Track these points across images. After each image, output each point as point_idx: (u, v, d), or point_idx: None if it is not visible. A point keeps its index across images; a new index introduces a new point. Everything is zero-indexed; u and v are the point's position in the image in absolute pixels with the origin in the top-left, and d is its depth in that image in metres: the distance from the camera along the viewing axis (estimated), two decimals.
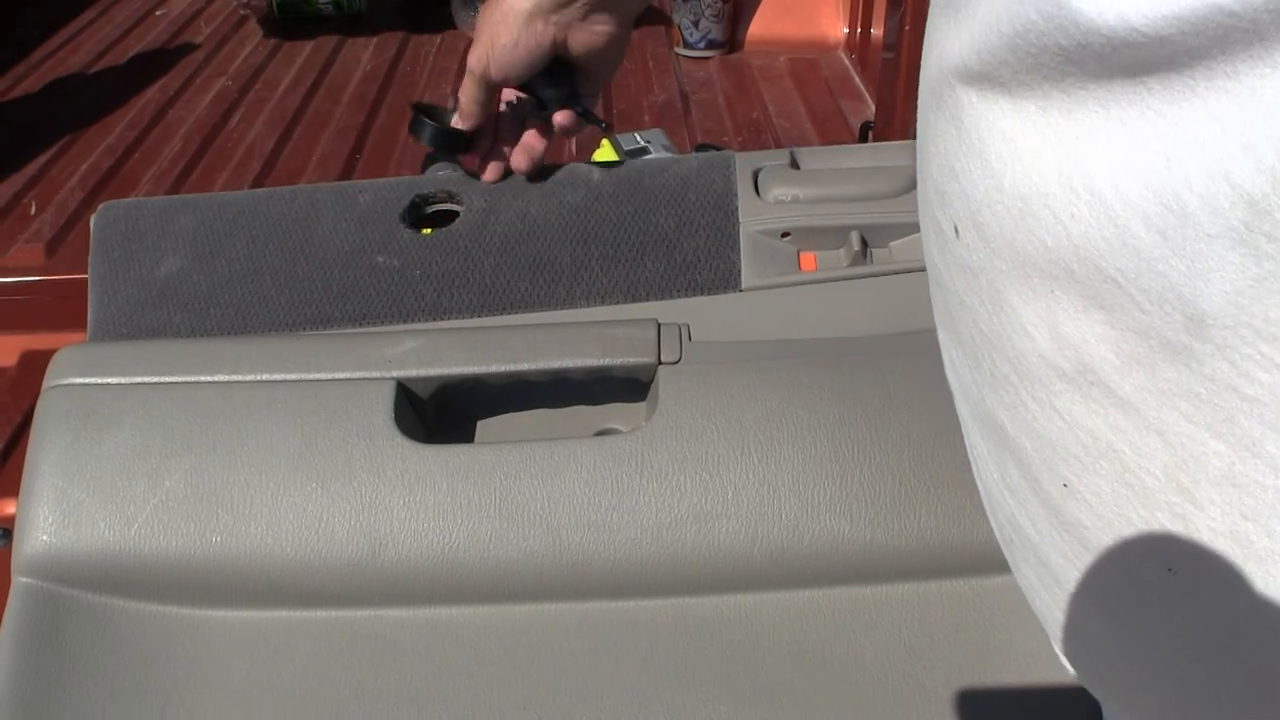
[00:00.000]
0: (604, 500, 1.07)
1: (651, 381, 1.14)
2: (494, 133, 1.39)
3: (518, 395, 1.17)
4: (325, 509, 1.07)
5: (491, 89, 1.34)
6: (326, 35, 3.02)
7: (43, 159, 2.40)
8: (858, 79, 2.66)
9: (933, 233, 0.79)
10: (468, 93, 1.34)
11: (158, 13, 3.28)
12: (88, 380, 1.17)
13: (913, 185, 1.29)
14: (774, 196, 1.32)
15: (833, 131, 2.42)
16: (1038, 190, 0.63)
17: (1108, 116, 0.59)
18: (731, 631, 1.08)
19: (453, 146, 1.38)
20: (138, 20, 3.22)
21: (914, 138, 1.75)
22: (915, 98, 1.75)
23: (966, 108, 0.70)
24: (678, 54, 2.81)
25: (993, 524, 0.83)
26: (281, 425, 1.12)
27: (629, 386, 1.19)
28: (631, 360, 1.13)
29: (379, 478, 1.08)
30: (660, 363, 1.13)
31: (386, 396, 1.12)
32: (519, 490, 1.07)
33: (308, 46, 2.97)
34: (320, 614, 1.09)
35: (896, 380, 1.10)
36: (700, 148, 2.28)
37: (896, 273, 1.25)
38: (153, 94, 2.72)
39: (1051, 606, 0.75)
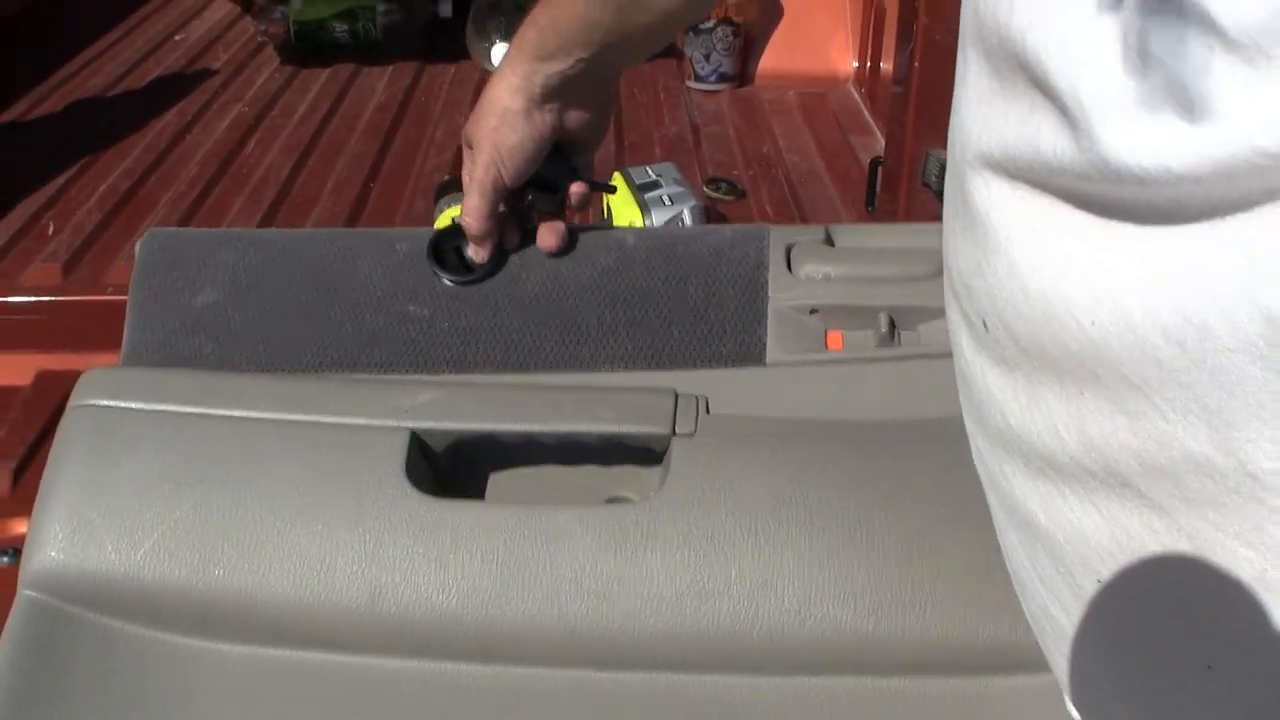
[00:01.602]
0: (605, 569, 1.06)
1: (665, 451, 1.13)
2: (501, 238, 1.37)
3: (532, 452, 1.16)
4: (328, 552, 1.08)
5: (500, 198, 1.32)
6: (342, 63, 3.04)
7: (61, 180, 2.41)
8: (867, 113, 2.67)
9: (961, 324, 0.79)
10: (479, 211, 1.31)
11: (177, 38, 3.29)
12: (112, 403, 1.19)
13: None
14: (805, 273, 1.31)
15: (842, 166, 2.44)
16: (1061, 294, 0.64)
17: (1139, 234, 0.60)
18: (725, 714, 1.07)
19: (477, 279, 1.35)
20: (157, 45, 3.24)
21: (922, 174, 1.76)
22: (924, 133, 1.77)
23: (997, 202, 0.71)
24: (689, 87, 2.83)
25: (1025, 611, 0.83)
26: (293, 465, 1.13)
27: (644, 451, 1.18)
28: (646, 429, 1.13)
29: (384, 526, 1.09)
30: (674, 434, 1.12)
31: (400, 446, 1.13)
32: (521, 552, 1.07)
33: (324, 74, 2.99)
34: (315, 656, 1.10)
35: (912, 468, 1.08)
36: (711, 181, 2.30)
37: (923, 357, 1.23)
38: (170, 118, 2.73)
39: (1084, 696, 0.76)
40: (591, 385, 1.20)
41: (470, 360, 1.29)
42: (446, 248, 1.36)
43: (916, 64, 1.80)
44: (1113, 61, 0.60)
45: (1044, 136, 0.65)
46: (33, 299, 2.00)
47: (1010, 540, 0.80)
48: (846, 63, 2.86)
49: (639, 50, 1.33)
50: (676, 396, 1.15)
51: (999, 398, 0.74)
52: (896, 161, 1.90)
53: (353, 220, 2.25)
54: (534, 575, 1.06)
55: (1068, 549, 0.70)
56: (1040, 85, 0.65)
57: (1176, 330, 0.59)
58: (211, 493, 1.12)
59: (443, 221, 1.97)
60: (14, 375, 1.93)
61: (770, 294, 1.29)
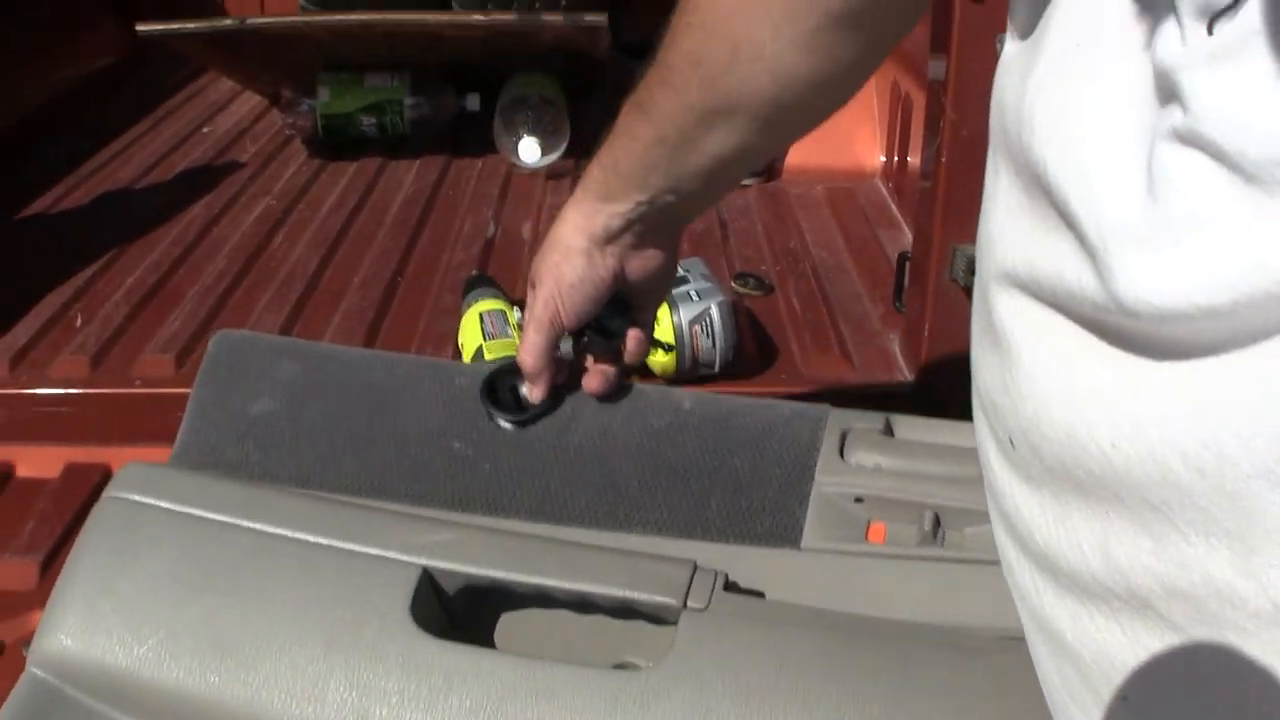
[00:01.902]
0: None
1: (676, 622, 1.10)
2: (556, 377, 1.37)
3: (545, 600, 1.15)
4: (322, 675, 1.07)
5: (556, 338, 1.32)
6: (370, 157, 3.05)
7: (89, 272, 2.43)
8: (895, 208, 2.67)
9: (989, 438, 0.79)
10: (536, 347, 1.31)
11: (204, 130, 3.32)
12: (142, 499, 1.20)
13: None
14: (857, 460, 1.29)
15: (869, 261, 2.44)
16: (1083, 418, 0.64)
17: (1158, 364, 0.61)
18: None
19: (534, 419, 1.35)
20: (184, 137, 3.26)
21: (949, 269, 1.75)
22: (952, 228, 1.77)
23: (1022, 321, 0.71)
24: None
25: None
26: (303, 585, 1.13)
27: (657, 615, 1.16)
28: (657, 598, 1.10)
29: (379, 658, 1.08)
30: (685, 606, 1.10)
31: (409, 582, 1.12)
32: (511, 705, 1.05)
33: (351, 167, 3.01)
34: None
35: (927, 675, 1.04)
36: (739, 276, 2.30)
37: (964, 562, 1.20)
38: (198, 211, 2.75)
39: None
40: (615, 546, 1.18)
41: (504, 505, 1.28)
42: (502, 386, 1.37)
43: (944, 159, 1.80)
44: (1130, 192, 0.60)
45: (1066, 263, 0.65)
46: (61, 391, 2.02)
47: (1040, 652, 0.79)
48: (874, 157, 2.86)
49: (696, 197, 1.29)
50: (695, 569, 1.13)
51: (1026, 515, 0.74)
52: (924, 256, 1.90)
53: (380, 314, 2.25)
54: None
55: (1093, 666, 0.69)
56: (1061, 211, 0.66)
57: (1195, 456, 0.59)
58: (219, 601, 1.12)
59: (471, 317, 1.97)
60: (42, 468, 1.94)
61: (817, 476, 1.27)
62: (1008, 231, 0.74)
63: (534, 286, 1.32)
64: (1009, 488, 0.76)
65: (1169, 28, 0.59)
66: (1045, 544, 0.71)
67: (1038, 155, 0.68)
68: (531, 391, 1.34)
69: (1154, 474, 0.60)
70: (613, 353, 1.37)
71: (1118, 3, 0.64)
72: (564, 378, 1.36)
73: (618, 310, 1.35)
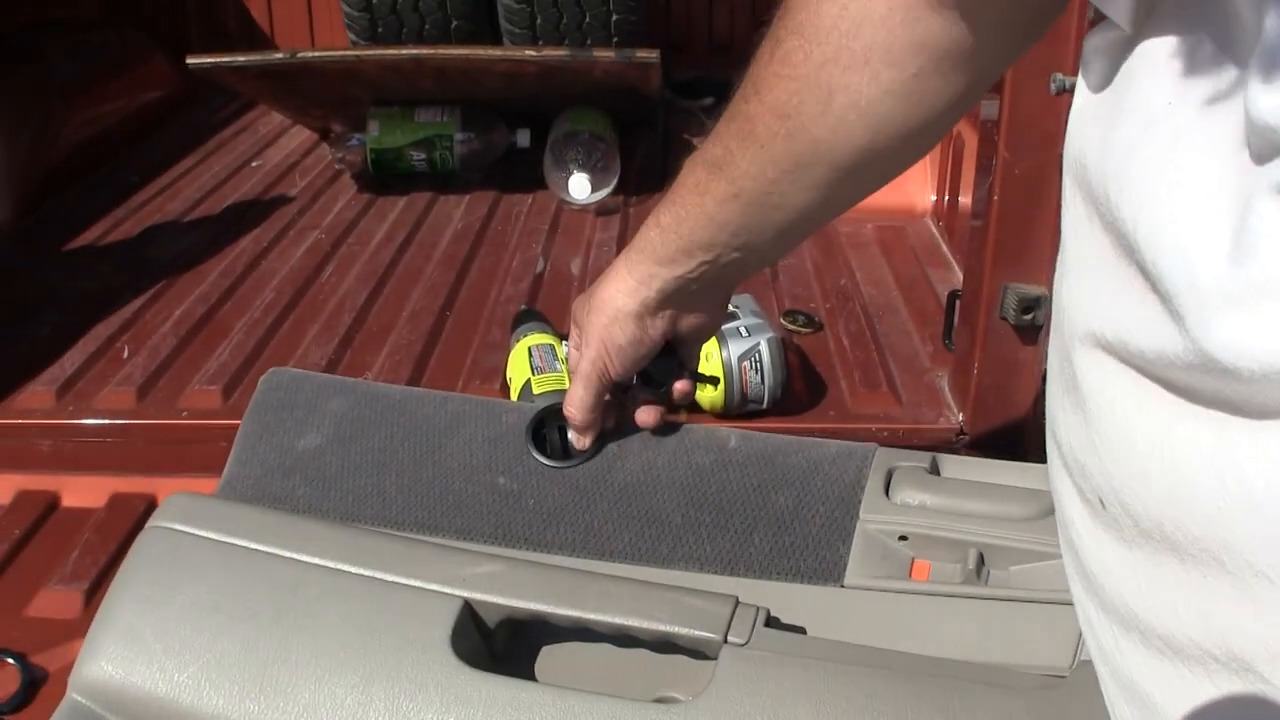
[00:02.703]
0: None
1: (716, 657, 1.10)
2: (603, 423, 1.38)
3: (587, 634, 1.15)
4: (361, 706, 1.08)
5: (605, 390, 1.34)
6: (419, 191, 3.06)
7: (137, 304, 2.43)
8: (945, 247, 2.67)
9: (1075, 496, 0.77)
10: (583, 403, 1.33)
11: (254, 164, 3.33)
12: (187, 529, 1.21)
13: (1049, 512, 1.21)
14: (902, 498, 1.30)
15: (919, 299, 2.43)
16: (1184, 479, 0.62)
17: (1261, 424, 0.59)
18: None
19: (578, 462, 1.37)
20: (234, 171, 3.27)
21: (999, 308, 1.74)
22: (1003, 266, 1.76)
23: (1111, 382, 0.70)
24: None
25: None
26: (344, 617, 1.13)
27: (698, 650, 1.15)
28: (698, 633, 1.10)
29: (419, 689, 1.08)
30: (726, 641, 1.09)
31: (450, 614, 1.12)
32: None
33: (400, 202, 3.01)
34: None
35: (967, 714, 1.03)
36: (788, 314, 2.29)
37: (1008, 600, 1.20)
38: (246, 244, 2.76)
39: None
40: (657, 581, 1.18)
41: (548, 541, 1.30)
42: (549, 428, 1.39)
43: (996, 197, 1.80)
44: (1224, 251, 0.59)
45: (1155, 326, 0.64)
46: (107, 422, 2.02)
47: (1122, 713, 0.77)
48: (925, 196, 2.86)
49: (766, 255, 1.29)
50: (737, 604, 1.12)
51: (1116, 574, 0.72)
52: (975, 295, 1.89)
53: (428, 348, 2.25)
54: None
55: None
56: (1150, 272, 0.65)
57: None
58: (260, 631, 1.13)
59: (519, 351, 1.97)
60: (88, 498, 1.94)
61: (861, 514, 1.28)
62: (1092, 292, 0.73)
63: (578, 338, 1.34)
64: (1096, 547, 0.75)
65: (1264, 81, 0.58)
66: (1136, 605, 0.70)
67: (1127, 215, 0.67)
68: (578, 441, 1.36)
69: (1261, 537, 0.59)
70: (661, 398, 1.38)
71: (1208, 58, 0.63)
72: (611, 423, 1.37)
73: (665, 357, 1.36)
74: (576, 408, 1.33)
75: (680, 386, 1.38)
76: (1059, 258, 0.81)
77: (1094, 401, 0.71)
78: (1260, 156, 0.58)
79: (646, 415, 1.37)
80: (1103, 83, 0.77)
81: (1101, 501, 0.72)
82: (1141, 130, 0.69)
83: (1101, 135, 0.73)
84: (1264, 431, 0.59)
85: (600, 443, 1.35)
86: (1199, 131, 0.64)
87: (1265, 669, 0.61)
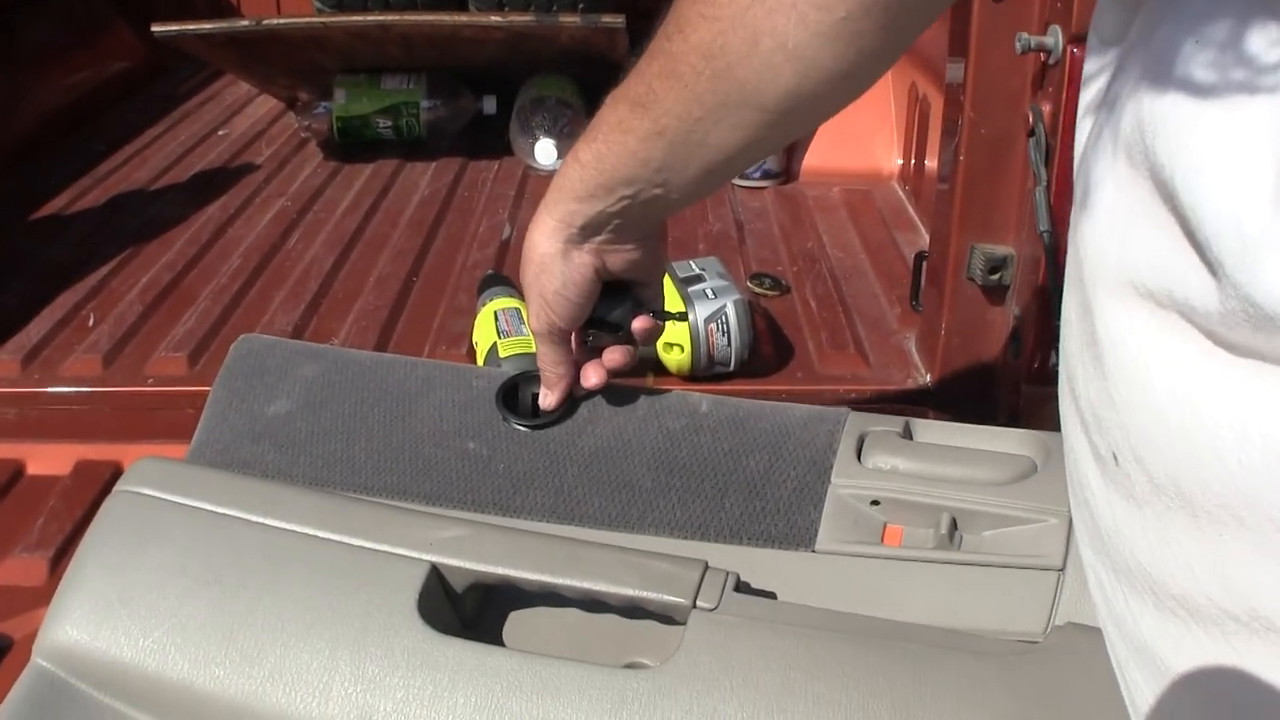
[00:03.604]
0: None
1: (685, 623, 1.08)
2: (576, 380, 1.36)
3: (556, 599, 1.14)
4: (327, 670, 1.07)
5: (565, 342, 1.31)
6: (386, 159, 3.06)
7: (103, 271, 2.43)
8: (912, 210, 2.67)
9: (1088, 454, 0.76)
10: (548, 358, 1.32)
11: (220, 133, 3.32)
12: (153, 493, 1.19)
13: (1023, 476, 1.25)
14: (874, 462, 1.28)
15: (886, 262, 2.44)
16: (1206, 430, 0.61)
17: None
18: None
19: (550, 424, 1.35)
20: (201, 139, 3.27)
21: (967, 268, 1.74)
22: (970, 227, 1.76)
23: (1136, 331, 0.68)
24: (733, 184, 2.83)
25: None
26: (311, 581, 1.12)
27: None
28: (667, 598, 1.09)
29: (385, 654, 1.07)
30: (695, 606, 1.08)
31: (417, 578, 1.11)
32: (515, 704, 1.04)
33: (367, 170, 3.01)
34: None
35: (938, 678, 1.02)
36: (755, 277, 2.29)
37: (981, 565, 1.18)
38: (213, 212, 2.75)
39: None
40: (626, 546, 1.17)
41: (518, 505, 1.28)
42: (523, 392, 1.38)
43: (962, 158, 1.79)
44: (1261, 194, 0.58)
45: (1192, 272, 0.62)
46: (73, 390, 2.01)
47: (1134, 678, 0.76)
48: (891, 160, 2.86)
49: (690, 192, 1.22)
50: (706, 569, 1.11)
51: (1127, 533, 0.71)
52: (942, 257, 1.89)
53: (394, 313, 2.25)
54: None
55: (1200, 689, 0.67)
56: (1189, 217, 0.63)
57: None
58: (226, 594, 1.12)
59: (485, 315, 1.96)
60: (53, 465, 1.94)
61: (833, 479, 1.26)
62: (1121, 239, 0.71)
63: (527, 302, 1.31)
64: (1108, 506, 0.74)
65: None
66: (1149, 565, 0.69)
67: (1164, 161, 0.65)
68: (546, 398, 1.34)
69: None
70: (625, 341, 1.35)
71: None
72: (596, 380, 1.35)
73: (616, 300, 1.32)
74: (543, 363, 1.32)
75: (640, 325, 1.35)
76: (1078, 207, 0.79)
77: (1115, 354, 0.70)
78: None
79: (613, 356, 1.35)
80: (1118, 33, 0.77)
81: (1115, 457, 0.71)
82: (1170, 72, 0.67)
83: (1135, 80, 0.72)
84: None
85: (571, 405, 1.34)
86: (1231, 70, 0.62)
87: None
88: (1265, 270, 0.57)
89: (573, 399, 1.34)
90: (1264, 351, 0.59)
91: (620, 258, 1.27)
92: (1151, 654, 0.71)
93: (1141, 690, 0.75)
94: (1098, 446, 0.74)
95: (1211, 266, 0.60)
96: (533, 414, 1.35)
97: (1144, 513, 0.68)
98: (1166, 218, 0.66)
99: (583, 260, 1.25)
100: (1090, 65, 0.81)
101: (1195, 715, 0.68)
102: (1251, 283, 0.57)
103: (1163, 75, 0.67)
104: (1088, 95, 0.80)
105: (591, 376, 1.35)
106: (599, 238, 1.24)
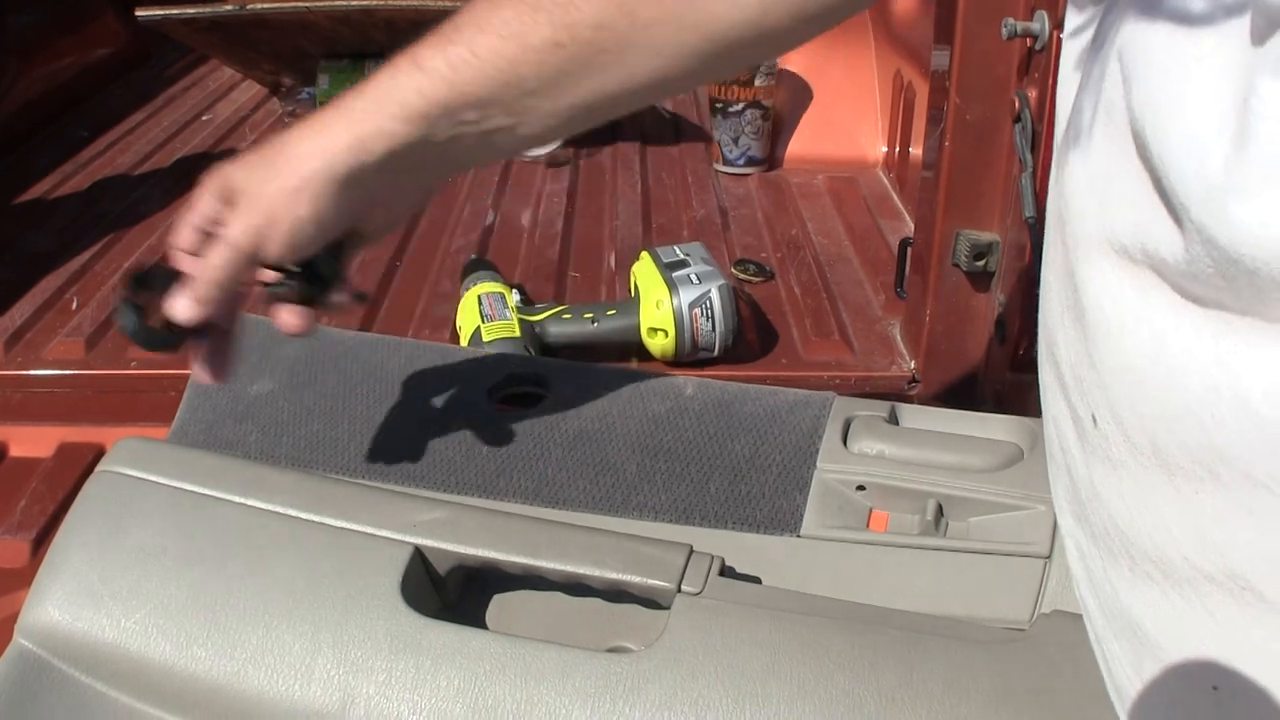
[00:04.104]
0: (579, 717, 1.01)
1: (670, 607, 1.08)
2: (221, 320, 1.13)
3: (540, 582, 1.14)
4: (310, 652, 1.07)
5: (251, 272, 1.08)
6: None
7: (86, 255, 2.42)
8: (896, 198, 2.67)
9: (1067, 417, 0.76)
10: (219, 274, 1.05)
11: (204, 118, 3.31)
12: (135, 473, 1.19)
13: (1010, 463, 1.25)
14: (860, 447, 1.28)
15: (871, 249, 2.43)
16: (1180, 387, 0.61)
17: (1263, 327, 0.58)
18: None
19: (165, 344, 1.13)
20: (184, 125, 3.26)
21: (952, 255, 1.74)
22: (955, 214, 1.76)
23: (1112, 290, 0.67)
24: (717, 170, 2.82)
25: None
26: (294, 562, 1.12)
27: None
28: (651, 581, 1.08)
29: (367, 636, 1.07)
30: (680, 590, 1.07)
31: (400, 560, 1.11)
32: (497, 687, 1.03)
33: None
34: None
35: (924, 664, 1.01)
36: (739, 263, 2.29)
37: (967, 551, 1.18)
38: None
39: None
40: (608, 530, 1.16)
41: (501, 488, 1.28)
42: (154, 282, 1.12)
43: (948, 144, 1.79)
44: (1223, 137, 0.57)
45: (1159, 224, 0.62)
46: (56, 372, 2.01)
47: (1111, 650, 0.76)
48: (876, 147, 2.86)
49: (543, 130, 1.05)
50: (690, 552, 1.10)
51: (1105, 496, 0.71)
52: (926, 243, 1.89)
53: (378, 298, 2.24)
54: (505, 711, 1.02)
55: (1176, 656, 0.67)
56: (1153, 166, 0.63)
57: None
58: (208, 575, 1.12)
59: (469, 300, 1.96)
60: (36, 447, 1.94)
61: (819, 463, 1.26)
62: (1096, 195, 0.70)
63: (223, 198, 1.05)
64: (1086, 470, 0.73)
65: None
66: (1127, 527, 0.69)
67: (1137, 114, 0.65)
68: (186, 309, 1.07)
69: (1259, 446, 0.58)
70: (314, 299, 1.14)
71: None
72: (230, 323, 1.16)
73: (339, 255, 1.13)
74: (207, 276, 1.05)
75: (340, 296, 1.16)
76: (1059, 168, 0.78)
77: (1094, 313, 0.69)
78: (1259, 35, 0.56)
79: (291, 318, 1.13)
80: None
81: (1094, 418, 0.70)
82: (1145, 14, 0.66)
83: (1110, 30, 0.71)
84: (1261, 336, 0.58)
85: (557, 391, 1.29)
86: (1197, 15, 0.61)
87: (1265, 586, 0.60)
88: (1228, 213, 0.56)
89: (559, 384, 1.30)
90: (1230, 303, 0.59)
91: (391, 202, 1.10)
92: (1129, 621, 0.71)
93: (1119, 661, 0.75)
94: (1077, 409, 0.74)
95: (1177, 215, 0.60)
96: (164, 327, 1.11)
97: (1121, 474, 0.68)
98: (1140, 172, 0.65)
99: (353, 198, 1.04)
100: (1072, 20, 0.81)
101: (1172, 683, 0.68)
102: (1215, 226, 0.57)
103: (1139, 18, 0.66)
104: (1070, 54, 0.79)
105: (288, 318, 1.13)
106: (390, 179, 1.04)
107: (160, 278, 1.11)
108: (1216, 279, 0.58)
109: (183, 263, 1.09)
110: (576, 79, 0.99)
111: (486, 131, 1.03)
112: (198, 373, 1.15)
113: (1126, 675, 0.74)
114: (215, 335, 1.14)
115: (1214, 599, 0.62)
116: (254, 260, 1.06)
